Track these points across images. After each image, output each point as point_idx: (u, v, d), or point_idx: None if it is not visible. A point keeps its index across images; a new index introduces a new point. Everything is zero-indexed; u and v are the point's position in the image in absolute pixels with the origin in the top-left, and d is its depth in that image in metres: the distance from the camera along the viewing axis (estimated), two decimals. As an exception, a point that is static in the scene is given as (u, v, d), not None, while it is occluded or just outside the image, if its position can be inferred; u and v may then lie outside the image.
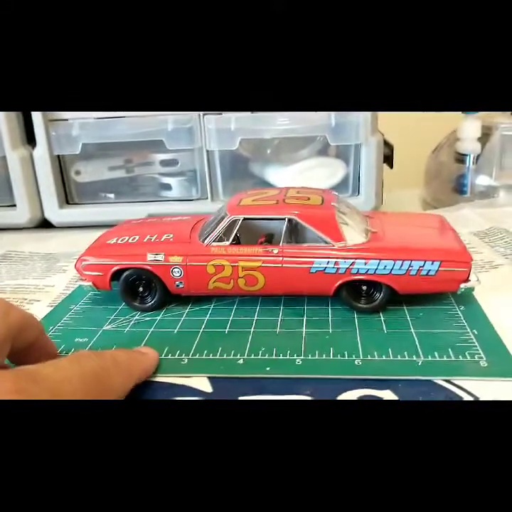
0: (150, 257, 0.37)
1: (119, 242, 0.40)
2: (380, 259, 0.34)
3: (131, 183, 0.62)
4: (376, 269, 0.34)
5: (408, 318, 0.35)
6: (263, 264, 0.35)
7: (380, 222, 0.39)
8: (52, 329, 0.36)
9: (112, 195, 0.62)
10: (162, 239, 0.39)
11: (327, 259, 0.35)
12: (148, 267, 0.37)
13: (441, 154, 0.68)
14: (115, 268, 0.38)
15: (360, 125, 0.55)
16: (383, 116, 0.57)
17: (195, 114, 0.56)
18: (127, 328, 0.36)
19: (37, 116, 0.57)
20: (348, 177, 0.59)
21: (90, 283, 0.39)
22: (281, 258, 0.35)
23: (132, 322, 0.37)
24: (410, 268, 0.34)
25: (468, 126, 0.62)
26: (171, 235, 0.39)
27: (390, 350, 0.31)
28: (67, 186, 0.61)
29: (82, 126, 0.57)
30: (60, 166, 0.60)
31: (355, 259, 0.34)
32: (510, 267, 0.42)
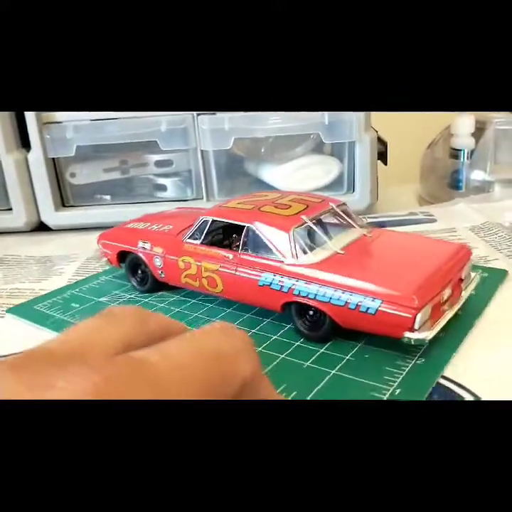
0: (140, 244, 0.40)
1: (133, 226, 0.43)
2: (321, 284, 0.31)
3: (127, 184, 0.62)
4: (316, 294, 0.31)
5: (346, 357, 0.30)
6: (220, 268, 0.35)
7: (367, 243, 0.35)
8: (68, 293, 0.42)
9: (107, 197, 0.62)
10: (161, 229, 0.41)
11: (273, 275, 0.33)
12: (139, 254, 0.40)
13: (435, 150, 0.68)
14: (118, 250, 0.42)
15: (353, 122, 0.55)
16: (377, 113, 0.57)
17: (188, 114, 0.56)
18: (115, 303, 0.39)
19: (31, 120, 0.57)
20: (343, 174, 0.59)
21: (106, 259, 0.44)
22: (235, 265, 0.35)
23: (124, 299, 0.40)
24: (349, 301, 0.29)
25: (462, 121, 0.62)
26: (171, 227, 0.41)
27: (285, 385, 0.28)
28: (63, 189, 0.61)
29: (76, 128, 0.57)
30: (55, 168, 0.60)
31: (298, 279, 0.32)
32: (505, 262, 0.42)
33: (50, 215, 0.61)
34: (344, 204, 0.38)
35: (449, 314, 0.31)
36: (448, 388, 0.27)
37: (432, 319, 0.29)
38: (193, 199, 0.61)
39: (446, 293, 0.31)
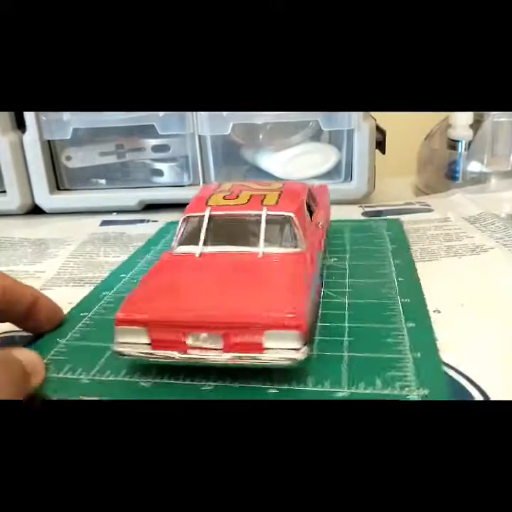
0: None
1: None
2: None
3: (123, 168, 0.62)
4: None
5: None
6: None
7: (234, 261, 0.31)
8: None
9: (103, 181, 0.62)
10: None
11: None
12: None
13: (433, 141, 0.68)
14: None
15: (352, 110, 0.55)
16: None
17: (186, 98, 0.56)
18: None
19: (27, 101, 0.56)
20: (341, 163, 0.59)
21: None
22: None
23: None
24: None
25: (460, 113, 0.62)
26: None
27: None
28: (58, 172, 0.61)
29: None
30: (51, 151, 0.60)
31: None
32: (501, 251, 0.42)
33: (45, 198, 0.60)
34: (289, 218, 0.32)
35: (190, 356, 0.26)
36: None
37: (161, 348, 0.26)
38: (190, 185, 0.60)
39: (197, 338, 0.26)
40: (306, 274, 0.30)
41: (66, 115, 0.57)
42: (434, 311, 0.33)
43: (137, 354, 0.26)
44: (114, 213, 0.60)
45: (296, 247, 0.32)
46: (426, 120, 0.70)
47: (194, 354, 0.26)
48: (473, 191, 0.60)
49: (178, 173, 0.61)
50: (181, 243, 0.33)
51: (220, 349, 0.26)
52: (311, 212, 0.37)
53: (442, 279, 0.38)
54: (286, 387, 0.26)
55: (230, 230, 0.33)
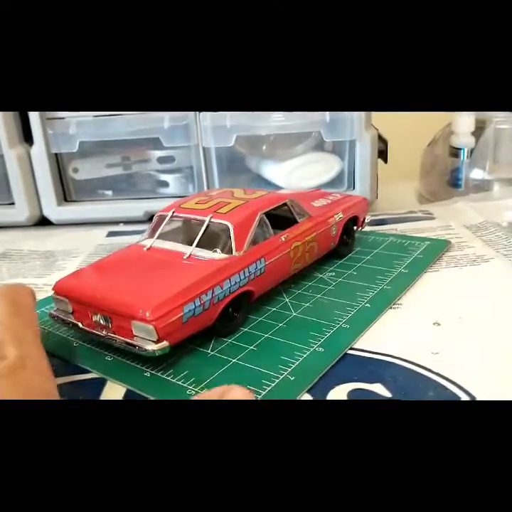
0: None
1: None
2: None
3: (129, 180, 0.63)
4: None
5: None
6: None
7: (171, 259, 0.33)
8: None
9: (109, 193, 0.63)
10: None
11: None
12: None
13: (436, 148, 0.69)
14: None
15: (354, 121, 0.55)
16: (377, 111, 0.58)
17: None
18: None
19: (34, 115, 0.57)
20: (343, 172, 0.59)
21: None
22: None
23: None
24: None
25: (462, 120, 0.63)
26: None
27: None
28: (65, 184, 0.62)
29: (79, 124, 0.58)
30: (58, 163, 0.61)
31: None
32: (501, 261, 0.43)
33: (53, 210, 0.61)
34: (227, 227, 0.34)
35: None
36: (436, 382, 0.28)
37: (77, 319, 0.32)
38: (195, 195, 0.61)
39: (96, 316, 0.31)
40: (208, 280, 0.31)
41: (72, 128, 0.58)
42: (433, 324, 0.34)
43: (58, 318, 0.33)
44: (121, 224, 0.61)
45: (224, 253, 0.34)
46: (428, 127, 0.70)
47: (93, 328, 0.31)
48: (476, 199, 0.60)
49: (183, 183, 0.62)
50: (147, 236, 0.37)
51: (110, 328, 0.30)
52: (292, 222, 0.39)
53: (443, 290, 0.38)
54: (159, 374, 0.30)
55: (182, 230, 0.37)
